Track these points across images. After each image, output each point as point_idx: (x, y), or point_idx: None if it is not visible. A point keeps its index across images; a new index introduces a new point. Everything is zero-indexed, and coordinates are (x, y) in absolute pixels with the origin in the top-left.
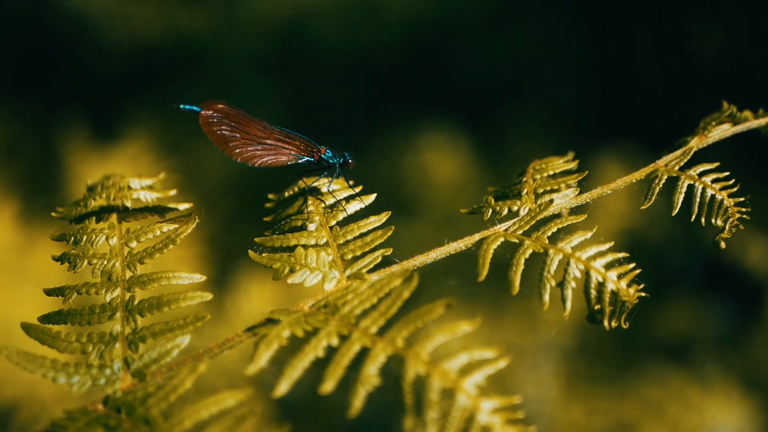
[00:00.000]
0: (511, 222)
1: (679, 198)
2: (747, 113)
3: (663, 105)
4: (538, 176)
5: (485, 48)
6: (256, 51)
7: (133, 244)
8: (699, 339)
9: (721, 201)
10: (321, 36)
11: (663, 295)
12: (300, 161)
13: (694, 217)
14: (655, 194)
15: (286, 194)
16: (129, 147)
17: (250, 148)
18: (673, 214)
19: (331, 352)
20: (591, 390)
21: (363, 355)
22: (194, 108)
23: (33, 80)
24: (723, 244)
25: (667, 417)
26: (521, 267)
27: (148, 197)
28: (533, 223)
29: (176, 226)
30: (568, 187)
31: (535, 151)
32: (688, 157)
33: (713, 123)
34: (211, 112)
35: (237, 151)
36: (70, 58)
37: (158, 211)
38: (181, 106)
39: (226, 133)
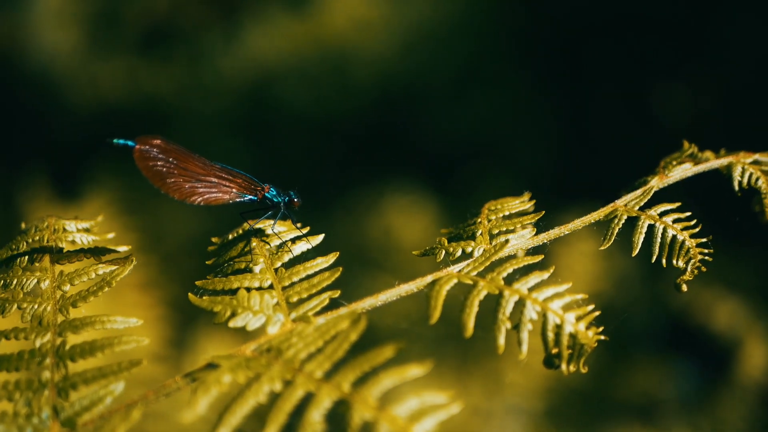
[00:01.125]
0: (465, 263)
1: (639, 238)
2: (708, 153)
3: (629, 164)
4: (493, 216)
5: (452, 110)
6: (222, 112)
7: (67, 287)
8: (665, 400)
9: (683, 241)
10: (288, 98)
11: (630, 356)
12: (243, 199)
13: (654, 258)
14: (614, 234)
15: (230, 236)
16: (89, 205)
17: (188, 186)
18: (633, 255)
19: (274, 397)
20: None
21: (307, 400)
22: (128, 142)
23: None
24: (684, 287)
25: None
26: (475, 308)
27: (85, 240)
28: (488, 264)
29: (113, 268)
30: (524, 227)
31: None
32: (649, 196)
33: (674, 162)
34: (146, 147)
35: (175, 188)
36: (33, 118)
37: (95, 252)
38: (114, 141)
39: (162, 169)
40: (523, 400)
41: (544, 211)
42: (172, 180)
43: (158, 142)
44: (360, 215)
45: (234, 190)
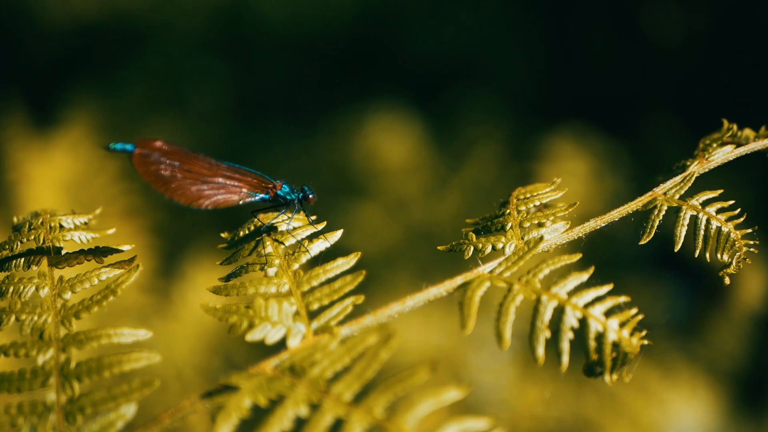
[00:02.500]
0: (496, 262)
1: (681, 231)
2: (747, 132)
3: (617, 84)
4: (523, 207)
5: (435, 27)
6: (198, 30)
7: (68, 295)
8: (657, 324)
9: (728, 234)
10: (266, 15)
11: (621, 279)
12: (254, 199)
13: (698, 252)
14: (655, 228)
15: (241, 233)
16: (70, 131)
17: (194, 188)
18: (675, 250)
19: (299, 424)
20: (548, 380)
21: (337, 427)
22: (126, 147)
23: None
24: (728, 280)
25: (627, 409)
26: (511, 316)
27: (84, 238)
28: (521, 263)
29: (117, 272)
30: (557, 219)
31: (489, 133)
32: (689, 183)
33: (714, 144)
34: (146, 150)
35: (180, 192)
36: (3, 40)
37: (96, 253)
38: (111, 146)
39: (165, 173)
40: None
41: (577, 202)
42: (176, 184)
43: (159, 144)
44: (343, 136)
45: (244, 189)
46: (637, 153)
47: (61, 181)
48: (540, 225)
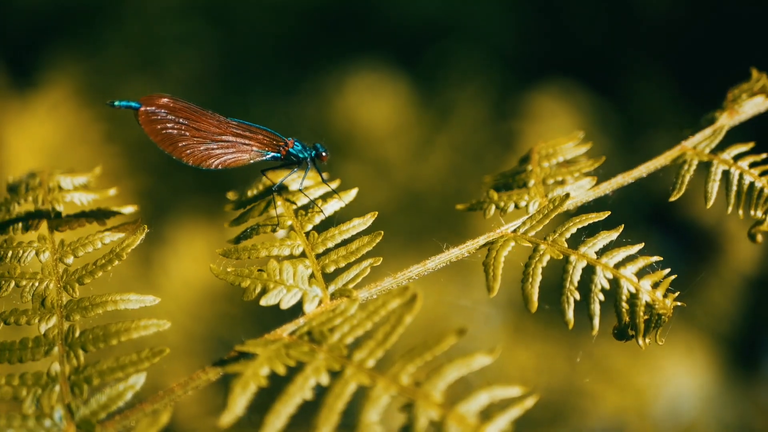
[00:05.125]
0: (520, 221)
1: (713, 187)
2: None
3: (600, 43)
4: (545, 163)
5: None
6: None
7: (70, 259)
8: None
9: (762, 189)
10: None
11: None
12: (265, 158)
13: (730, 208)
14: (686, 184)
15: (249, 194)
16: (50, 93)
17: (202, 147)
18: (707, 207)
19: (320, 392)
20: (540, 344)
21: (360, 396)
22: (131, 104)
23: None
24: (760, 238)
25: (620, 374)
26: (538, 277)
27: (84, 199)
28: (546, 222)
29: (121, 235)
30: (583, 175)
31: (473, 91)
32: (720, 137)
33: (743, 96)
34: (152, 107)
35: (188, 152)
36: None
37: (97, 216)
38: (116, 103)
39: (173, 131)
40: (503, 292)
41: (604, 157)
42: (184, 143)
43: (166, 100)
44: (324, 98)
45: (254, 148)
46: (624, 109)
47: (41, 144)
48: (564, 182)
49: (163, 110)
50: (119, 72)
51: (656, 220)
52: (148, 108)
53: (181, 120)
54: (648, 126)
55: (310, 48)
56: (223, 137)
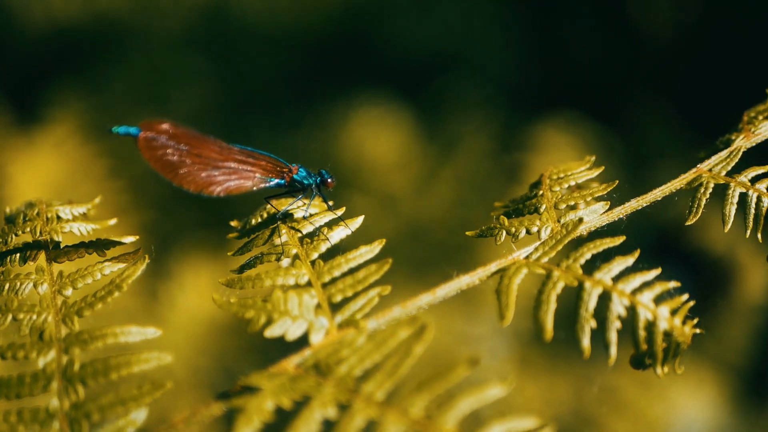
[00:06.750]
0: (532, 247)
1: (731, 210)
2: None
3: (603, 74)
4: (557, 188)
5: (420, 20)
6: (178, 29)
7: (69, 291)
8: None
9: None
10: (246, 11)
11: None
12: (268, 185)
13: (749, 232)
14: (702, 207)
15: (253, 221)
16: (55, 129)
17: (204, 174)
18: (725, 231)
19: (328, 426)
20: (547, 376)
21: (369, 430)
22: (130, 130)
23: None
24: None
25: (629, 405)
26: (552, 305)
27: (83, 229)
28: (560, 247)
29: (121, 265)
30: (595, 200)
31: (477, 124)
32: (736, 159)
33: (760, 117)
34: (152, 133)
35: (189, 178)
36: None
37: (97, 246)
38: (114, 130)
39: (173, 158)
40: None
41: (617, 181)
42: (185, 169)
43: (166, 126)
44: (328, 131)
45: (257, 174)
46: (628, 140)
47: (45, 180)
48: (576, 206)
49: (163, 136)
50: (123, 107)
51: (662, 249)
52: (147, 134)
53: (181, 146)
54: (653, 156)
55: (313, 81)
56: (226, 164)
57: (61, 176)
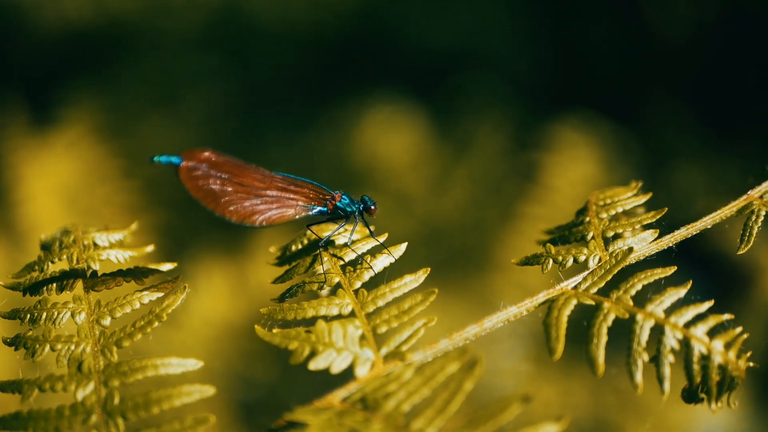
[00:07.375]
0: (580, 277)
1: None
2: None
3: (618, 73)
4: (603, 214)
5: (435, 17)
6: (191, 29)
7: (107, 321)
8: None
9: None
10: (259, 11)
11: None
12: (311, 213)
13: None
14: (754, 235)
15: (294, 248)
16: (68, 130)
17: (246, 203)
18: None
19: None
20: (564, 379)
21: None
22: (172, 159)
23: None
24: None
25: (649, 411)
26: (604, 338)
27: (120, 257)
28: (609, 277)
29: (159, 294)
30: (643, 228)
31: (492, 123)
32: None
33: None
34: (194, 162)
35: (231, 208)
36: None
37: (134, 275)
38: (155, 159)
39: (215, 187)
40: (524, 324)
41: (666, 208)
42: (227, 199)
43: (207, 154)
44: (342, 130)
45: (300, 202)
46: (645, 140)
47: (59, 180)
48: (623, 234)
49: (204, 164)
50: (137, 107)
51: (681, 253)
52: (189, 164)
53: (223, 175)
54: (669, 156)
55: (327, 81)
56: (268, 192)
57: (74, 177)
